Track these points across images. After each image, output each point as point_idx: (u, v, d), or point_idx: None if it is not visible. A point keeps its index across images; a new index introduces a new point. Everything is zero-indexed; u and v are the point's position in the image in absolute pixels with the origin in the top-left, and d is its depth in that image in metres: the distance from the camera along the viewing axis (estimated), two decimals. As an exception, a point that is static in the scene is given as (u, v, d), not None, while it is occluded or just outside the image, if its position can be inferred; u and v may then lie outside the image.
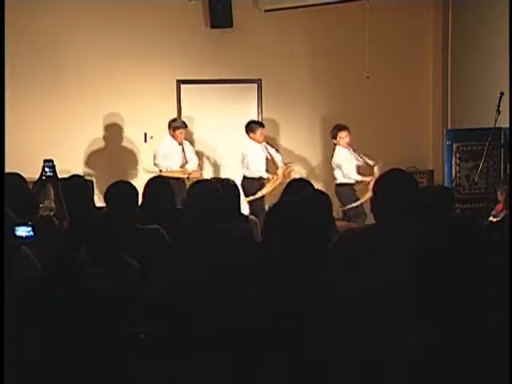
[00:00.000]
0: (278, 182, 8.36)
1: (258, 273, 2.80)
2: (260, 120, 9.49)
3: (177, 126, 8.57)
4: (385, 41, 9.46)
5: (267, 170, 8.60)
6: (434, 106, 9.77)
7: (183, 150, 8.56)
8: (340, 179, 8.30)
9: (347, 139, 8.25)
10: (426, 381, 2.03)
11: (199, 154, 9.15)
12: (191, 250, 3.78)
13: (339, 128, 8.29)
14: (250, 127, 8.62)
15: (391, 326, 2.14)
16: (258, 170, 8.54)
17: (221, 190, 4.12)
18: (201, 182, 4.43)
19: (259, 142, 8.60)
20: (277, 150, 8.85)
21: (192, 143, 9.23)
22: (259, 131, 8.58)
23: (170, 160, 8.49)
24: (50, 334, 2.84)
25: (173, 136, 8.55)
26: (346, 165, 8.26)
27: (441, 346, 2.04)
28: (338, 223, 4.47)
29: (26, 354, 2.79)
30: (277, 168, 8.52)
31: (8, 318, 2.79)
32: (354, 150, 8.30)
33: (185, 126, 8.66)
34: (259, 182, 8.50)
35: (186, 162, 8.51)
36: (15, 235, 3.34)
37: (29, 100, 9.06)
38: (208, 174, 9.15)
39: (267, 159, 8.63)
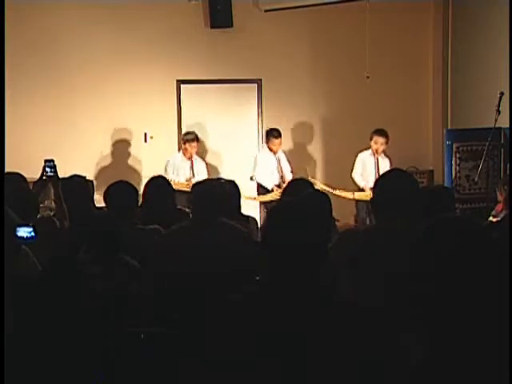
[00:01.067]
0: (277, 196, 8.20)
1: (257, 272, 2.80)
2: (260, 120, 9.50)
3: (186, 139, 8.43)
4: (385, 41, 9.46)
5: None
6: (433, 106, 9.77)
7: (192, 165, 8.39)
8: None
9: (381, 146, 8.07)
10: (425, 382, 2.04)
11: (199, 153, 9.18)
12: (192, 248, 3.78)
13: (374, 132, 8.13)
14: (266, 134, 8.59)
15: (391, 327, 2.15)
16: (260, 178, 8.46)
17: (224, 191, 4.13)
18: (204, 182, 4.44)
19: (271, 151, 8.48)
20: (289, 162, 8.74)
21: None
22: (272, 141, 8.44)
23: (178, 174, 8.35)
24: (50, 334, 2.84)
25: (183, 149, 8.43)
26: (355, 167, 8.25)
27: (440, 346, 2.04)
28: (338, 223, 4.48)
29: (25, 354, 2.80)
30: (283, 182, 8.08)
31: (8, 318, 2.79)
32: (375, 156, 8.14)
33: (195, 139, 8.46)
34: (266, 191, 8.41)
35: (193, 176, 8.30)
36: (16, 236, 3.34)
37: (29, 100, 9.06)
38: (208, 174, 9.14)
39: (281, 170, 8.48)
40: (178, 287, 3.64)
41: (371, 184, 7.79)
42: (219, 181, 5.41)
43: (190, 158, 8.41)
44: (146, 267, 3.77)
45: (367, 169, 8.19)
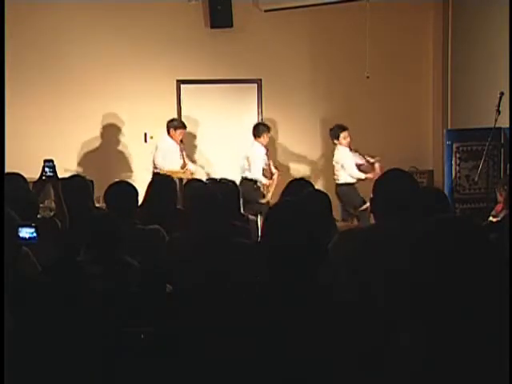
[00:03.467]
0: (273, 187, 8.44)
1: (257, 273, 2.79)
2: (260, 120, 9.50)
3: (178, 125, 8.58)
4: (385, 41, 9.46)
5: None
6: (434, 106, 9.77)
7: (181, 150, 8.56)
8: (343, 179, 8.33)
9: (348, 139, 8.35)
10: (425, 381, 2.04)
11: (199, 154, 9.19)
12: (193, 250, 3.78)
13: (342, 128, 8.35)
14: (257, 130, 8.61)
15: (390, 326, 2.15)
16: (258, 172, 8.53)
17: (216, 193, 4.12)
18: (194, 184, 4.43)
19: (264, 146, 8.58)
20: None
21: (192, 143, 9.29)
22: (265, 135, 8.57)
23: (170, 160, 8.47)
24: (50, 334, 2.84)
25: (172, 136, 8.54)
26: (350, 164, 8.34)
27: (439, 345, 2.04)
28: (338, 223, 4.48)
29: (26, 355, 2.80)
30: (272, 174, 8.54)
31: (8, 318, 2.79)
32: (352, 150, 8.39)
33: (185, 126, 8.67)
34: (256, 186, 8.50)
35: (185, 163, 8.52)
36: (18, 236, 3.34)
37: (29, 100, 9.06)
38: (208, 173, 9.16)
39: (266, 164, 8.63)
40: (183, 289, 3.65)
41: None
42: (218, 181, 5.42)
43: (179, 144, 8.58)
44: (146, 268, 3.77)
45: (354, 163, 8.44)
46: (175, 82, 9.43)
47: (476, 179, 7.30)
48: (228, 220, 4.08)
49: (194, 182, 5.46)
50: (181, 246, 3.87)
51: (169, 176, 5.60)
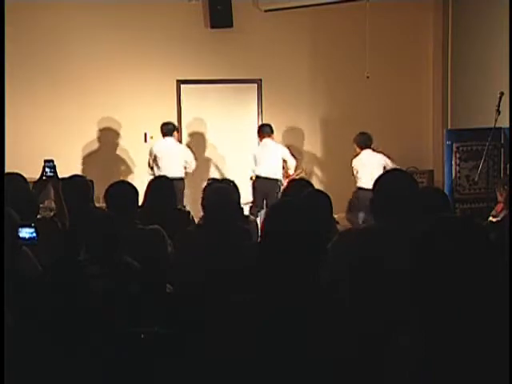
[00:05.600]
0: None
1: (257, 272, 2.80)
2: (260, 120, 9.51)
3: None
4: (385, 41, 9.46)
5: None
6: (434, 106, 9.77)
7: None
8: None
9: None
10: (424, 382, 2.04)
11: (199, 153, 9.21)
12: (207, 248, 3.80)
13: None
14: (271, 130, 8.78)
15: (389, 326, 2.15)
16: None
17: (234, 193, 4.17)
18: (215, 184, 4.46)
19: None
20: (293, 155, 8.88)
21: (192, 143, 9.30)
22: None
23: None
24: (50, 334, 2.84)
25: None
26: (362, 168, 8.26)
27: (438, 346, 2.04)
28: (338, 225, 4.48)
29: (26, 354, 2.80)
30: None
31: (8, 318, 2.79)
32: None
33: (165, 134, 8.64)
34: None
35: None
36: (18, 236, 3.34)
37: (29, 100, 9.07)
38: (208, 173, 9.16)
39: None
40: (188, 285, 3.65)
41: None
42: (218, 181, 5.42)
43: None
44: (146, 268, 3.77)
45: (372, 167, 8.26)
46: (175, 82, 9.43)
47: (476, 179, 7.30)
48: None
49: (215, 182, 5.48)
50: (195, 240, 3.91)
51: (166, 177, 5.61)
